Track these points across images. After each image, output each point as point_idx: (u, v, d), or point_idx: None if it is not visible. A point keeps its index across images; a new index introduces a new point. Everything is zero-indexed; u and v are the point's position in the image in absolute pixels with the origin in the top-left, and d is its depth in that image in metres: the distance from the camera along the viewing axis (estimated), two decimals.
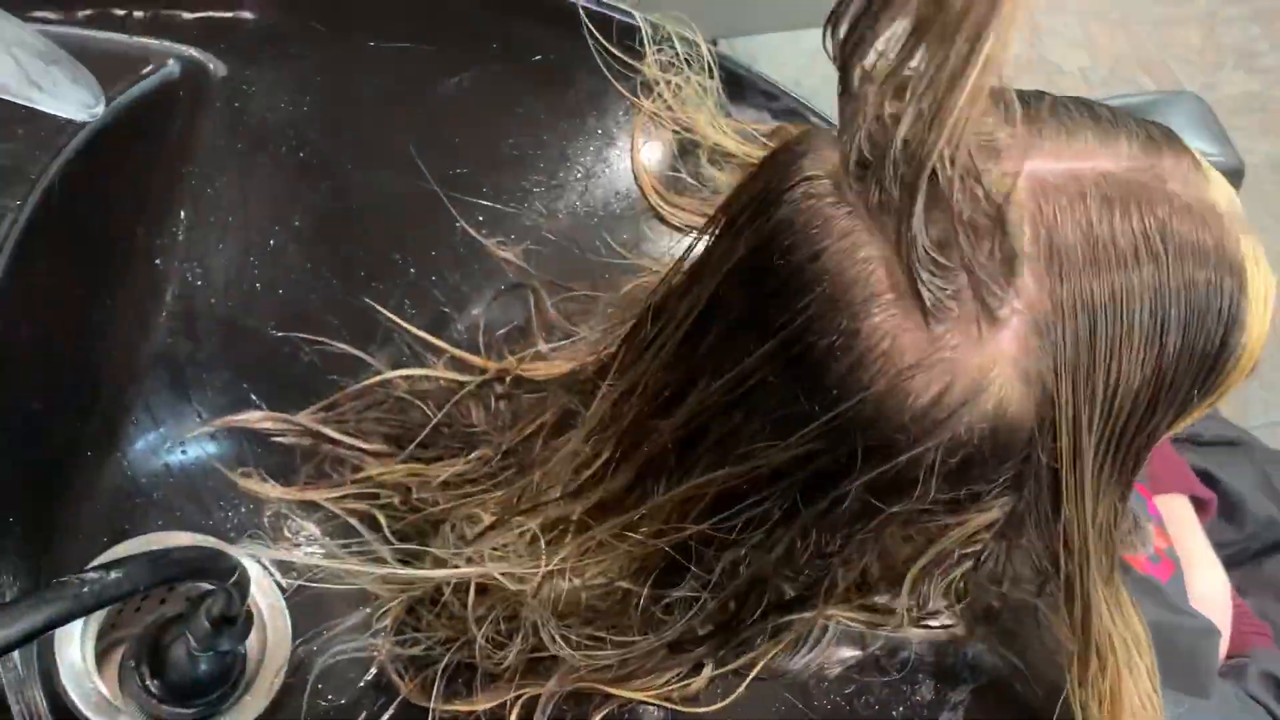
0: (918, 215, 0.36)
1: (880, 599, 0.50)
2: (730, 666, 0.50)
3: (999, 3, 0.36)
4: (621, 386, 0.48)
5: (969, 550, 0.45)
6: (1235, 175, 0.90)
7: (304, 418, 0.60)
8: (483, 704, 0.51)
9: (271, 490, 0.61)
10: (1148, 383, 0.40)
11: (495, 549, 0.52)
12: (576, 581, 0.50)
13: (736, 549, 0.44)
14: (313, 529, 0.62)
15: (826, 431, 0.39)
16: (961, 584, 0.50)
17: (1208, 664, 0.67)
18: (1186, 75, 1.87)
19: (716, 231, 0.44)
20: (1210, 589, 0.84)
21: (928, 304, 0.37)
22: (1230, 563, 0.92)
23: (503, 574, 0.50)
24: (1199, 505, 0.90)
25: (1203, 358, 0.41)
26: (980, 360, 0.37)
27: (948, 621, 0.51)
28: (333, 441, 0.60)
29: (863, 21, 0.39)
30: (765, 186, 0.40)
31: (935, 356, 0.37)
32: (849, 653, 0.51)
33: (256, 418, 0.61)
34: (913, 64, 0.38)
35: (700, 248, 0.45)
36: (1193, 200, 0.40)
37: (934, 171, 0.36)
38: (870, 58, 0.39)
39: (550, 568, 0.49)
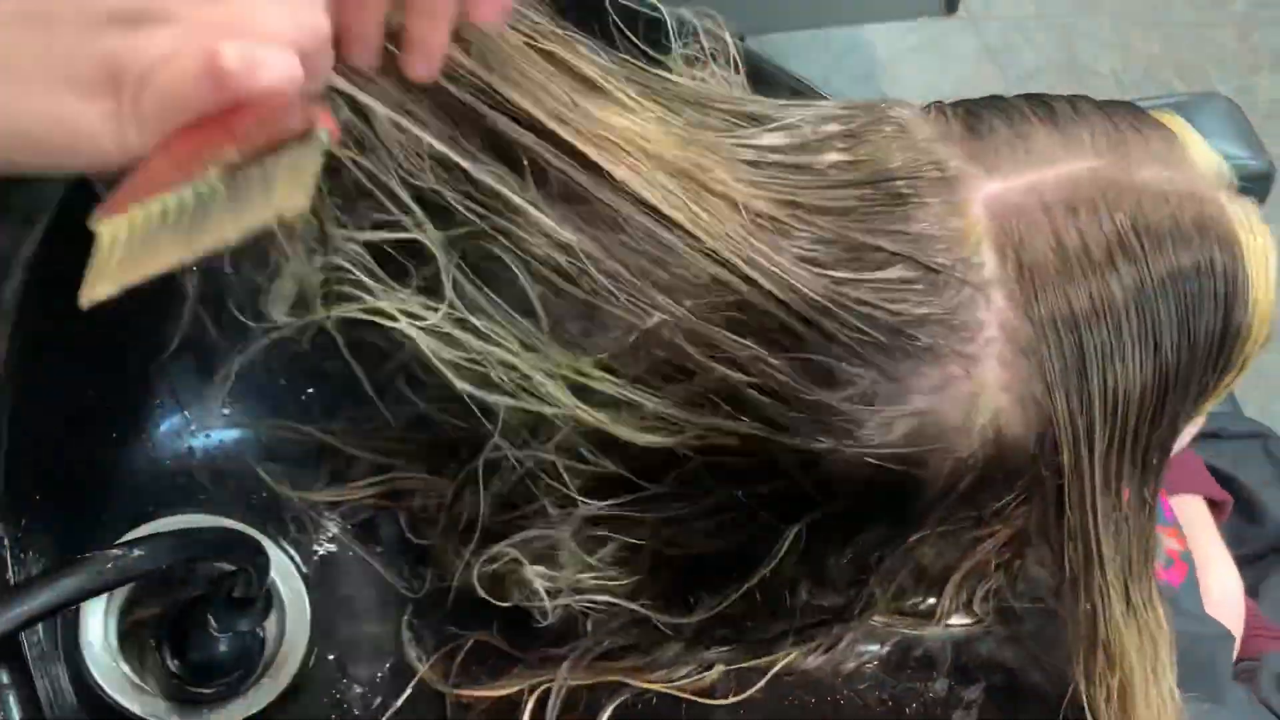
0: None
1: (911, 601, 0.50)
2: (750, 663, 0.50)
3: None
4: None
5: (1005, 558, 0.45)
6: (1266, 178, 0.89)
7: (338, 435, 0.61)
8: (500, 690, 0.52)
9: (314, 495, 0.61)
10: (1150, 382, 0.39)
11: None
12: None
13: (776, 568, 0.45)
14: (334, 517, 0.63)
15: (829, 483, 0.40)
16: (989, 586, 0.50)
17: (1223, 670, 0.67)
18: (1221, 78, 1.85)
19: None
20: (1224, 591, 0.83)
21: (911, 376, 0.37)
22: (1250, 560, 0.91)
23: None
24: (1214, 506, 0.89)
25: (1207, 342, 0.40)
26: (967, 391, 0.37)
27: (968, 620, 0.51)
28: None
29: None
30: None
31: (916, 404, 0.37)
32: (864, 649, 0.51)
33: (301, 437, 0.61)
34: None
35: None
36: (1166, 183, 0.39)
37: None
38: None
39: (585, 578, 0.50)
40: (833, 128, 0.40)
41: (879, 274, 0.37)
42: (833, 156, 0.39)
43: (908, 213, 0.37)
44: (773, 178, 0.39)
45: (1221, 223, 0.39)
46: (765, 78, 0.66)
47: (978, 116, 0.40)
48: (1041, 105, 0.40)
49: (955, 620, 0.51)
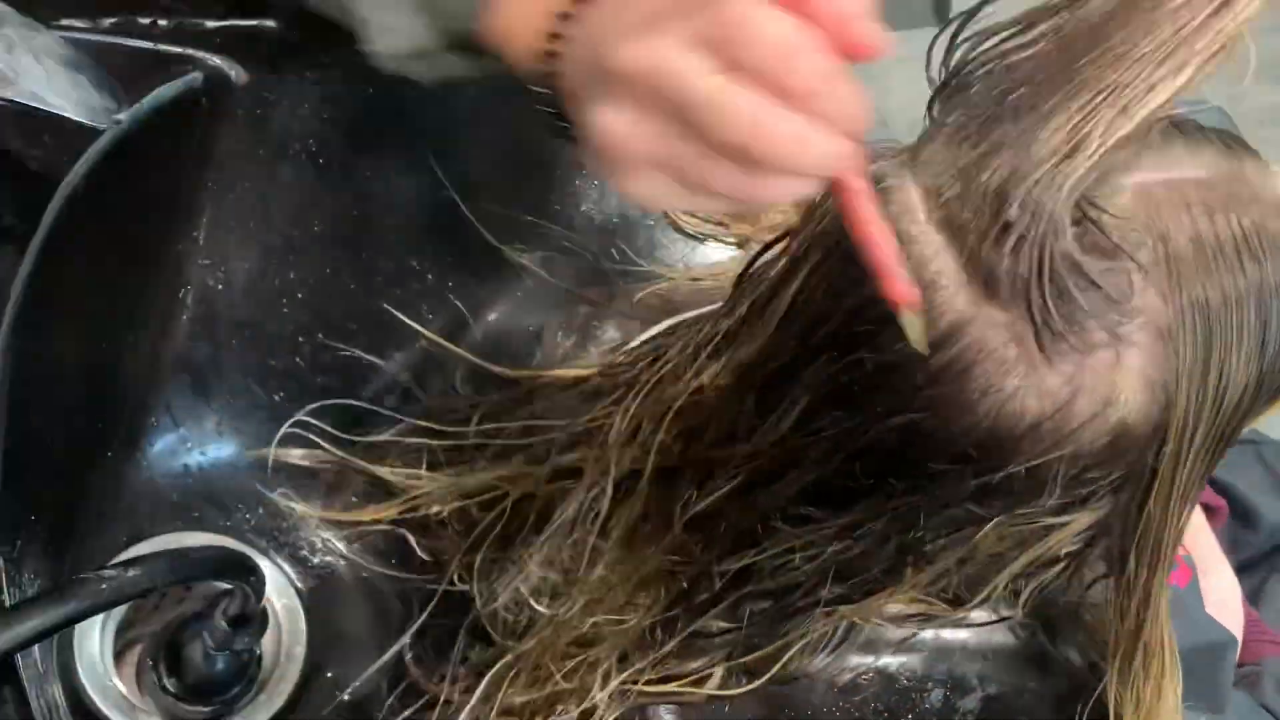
0: (1045, 276, 0.37)
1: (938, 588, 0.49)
2: (757, 654, 0.50)
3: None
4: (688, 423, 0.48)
5: (1070, 550, 0.45)
6: None
7: (344, 454, 0.61)
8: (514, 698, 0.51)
9: (320, 513, 0.62)
10: (1252, 381, 0.41)
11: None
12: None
13: (805, 544, 0.45)
14: (331, 537, 0.63)
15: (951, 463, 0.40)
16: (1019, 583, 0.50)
17: (1226, 676, 0.67)
18: (1213, 87, 1.85)
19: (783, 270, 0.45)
20: (1225, 594, 0.83)
21: (1050, 351, 0.38)
22: (1246, 566, 0.91)
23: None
24: (1208, 511, 0.89)
25: None
26: (1111, 378, 0.38)
27: (990, 617, 0.51)
28: (370, 471, 0.61)
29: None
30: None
31: (1067, 390, 0.38)
32: (858, 659, 0.51)
33: (297, 454, 0.62)
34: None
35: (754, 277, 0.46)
36: (1276, 200, 0.41)
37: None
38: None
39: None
40: None
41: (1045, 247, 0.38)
42: None
43: None
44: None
45: None
46: None
47: None
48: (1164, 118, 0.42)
49: (981, 617, 0.51)
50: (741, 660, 0.50)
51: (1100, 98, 0.36)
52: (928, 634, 0.51)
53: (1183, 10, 0.37)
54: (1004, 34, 0.39)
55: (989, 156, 0.38)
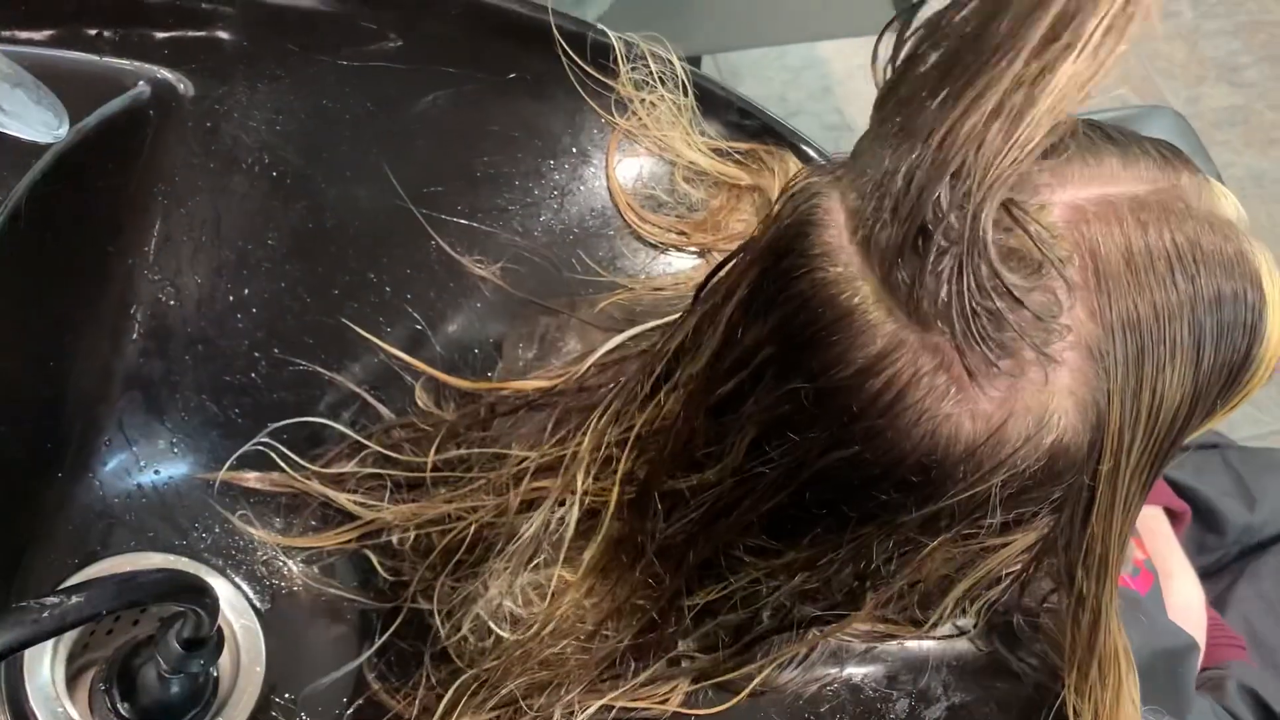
0: (969, 292, 0.36)
1: (898, 608, 0.49)
2: (727, 677, 0.49)
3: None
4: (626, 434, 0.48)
5: (1012, 570, 0.45)
6: None
7: (301, 479, 0.60)
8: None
9: (279, 539, 0.61)
10: (1186, 397, 0.40)
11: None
12: (586, 603, 0.50)
13: (770, 573, 0.44)
14: (291, 553, 0.62)
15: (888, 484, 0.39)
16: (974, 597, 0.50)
17: (1187, 681, 0.67)
18: (1171, 90, 1.88)
19: (723, 292, 0.44)
20: (1187, 599, 0.84)
21: (980, 373, 0.37)
22: (1212, 571, 0.92)
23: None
24: (1173, 516, 0.90)
25: (1229, 368, 0.41)
26: (1042, 399, 0.38)
27: (950, 631, 0.51)
28: (329, 497, 0.60)
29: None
30: (780, 267, 0.40)
31: (1000, 413, 0.37)
32: (823, 670, 0.51)
33: (252, 478, 0.61)
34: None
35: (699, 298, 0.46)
36: (1210, 215, 0.41)
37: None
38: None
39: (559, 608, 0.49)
40: None
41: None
42: None
43: None
44: None
45: (1251, 262, 0.42)
46: (713, 100, 0.66)
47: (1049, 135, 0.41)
48: (1097, 128, 0.42)
49: (941, 632, 0.51)
50: (712, 681, 0.49)
51: (1009, 96, 0.35)
52: (892, 645, 0.51)
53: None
54: (924, 27, 0.38)
55: (899, 169, 0.36)
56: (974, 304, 0.36)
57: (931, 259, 0.36)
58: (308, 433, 0.61)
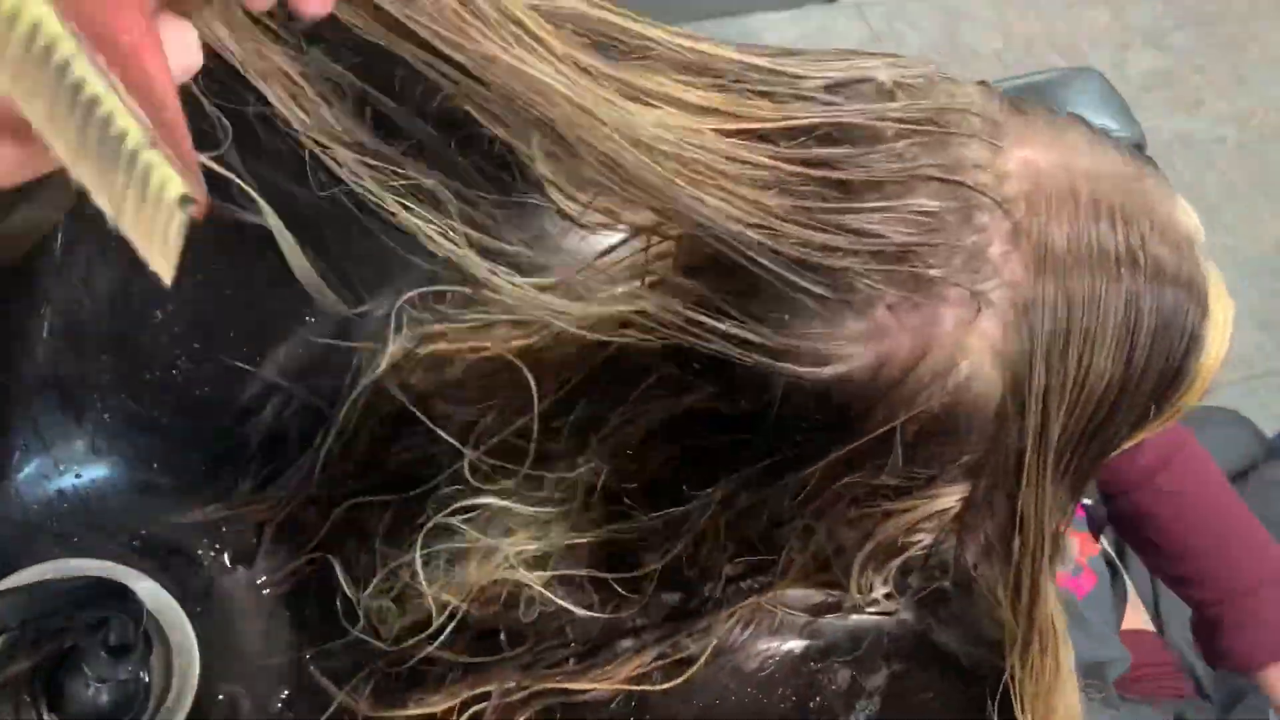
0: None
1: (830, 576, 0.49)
2: (685, 654, 0.49)
3: None
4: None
5: (913, 539, 0.45)
6: (1138, 148, 0.91)
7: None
8: (430, 707, 0.50)
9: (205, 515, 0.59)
10: (1116, 379, 0.41)
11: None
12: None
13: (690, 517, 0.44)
14: (218, 548, 0.61)
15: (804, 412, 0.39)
16: (910, 569, 0.50)
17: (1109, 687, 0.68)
18: (1096, 55, 1.90)
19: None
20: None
21: (899, 306, 0.37)
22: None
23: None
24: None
25: (1164, 371, 0.42)
26: (960, 337, 0.38)
27: (890, 606, 0.51)
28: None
29: None
30: None
31: (916, 346, 0.38)
32: (765, 645, 0.51)
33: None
34: None
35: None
36: (1168, 223, 0.41)
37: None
38: None
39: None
40: (874, 63, 0.40)
41: (903, 200, 0.37)
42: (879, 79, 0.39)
43: (949, 141, 0.38)
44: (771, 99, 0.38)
45: (1200, 278, 0.42)
46: None
47: (1019, 99, 0.41)
48: (1074, 116, 0.42)
49: (878, 607, 0.51)
50: (669, 660, 0.49)
51: None
52: (832, 618, 0.51)
53: None
54: None
55: None
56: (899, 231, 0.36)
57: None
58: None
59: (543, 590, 0.49)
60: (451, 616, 0.49)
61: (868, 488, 0.41)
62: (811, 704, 0.50)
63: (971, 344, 0.38)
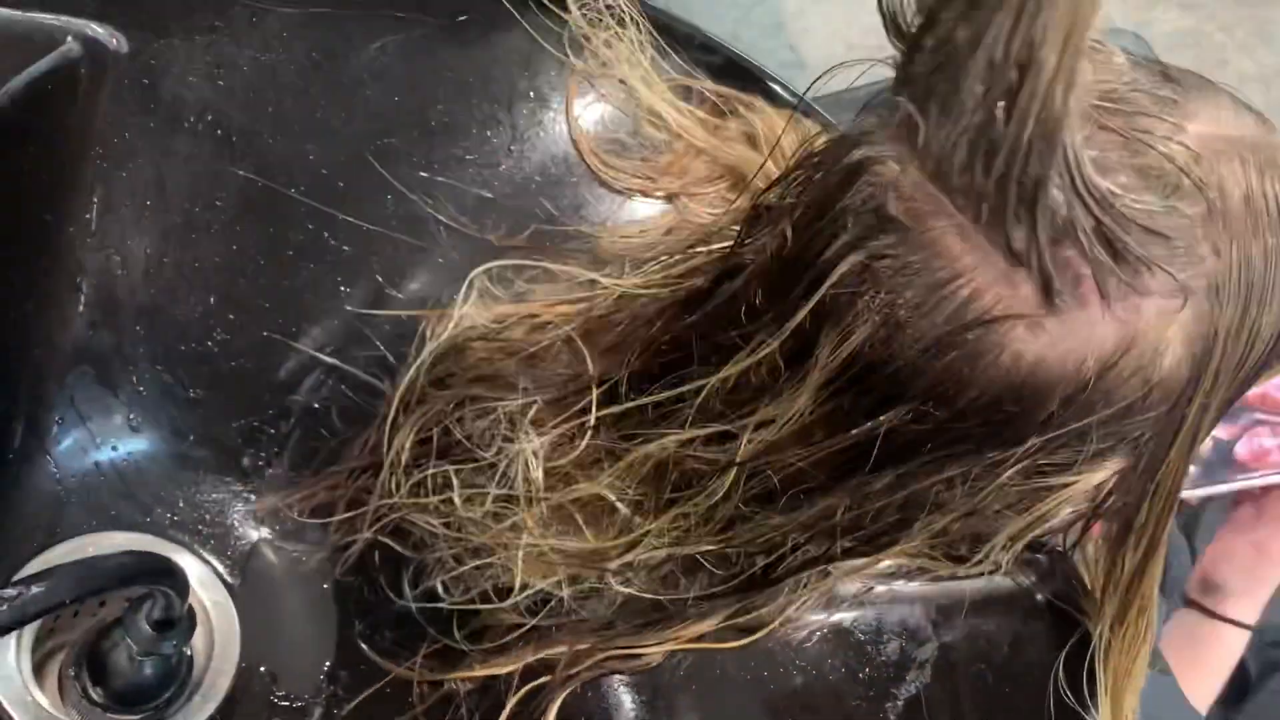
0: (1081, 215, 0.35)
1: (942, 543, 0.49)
2: (757, 613, 0.48)
3: None
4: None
5: (1060, 512, 0.44)
6: None
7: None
8: (496, 669, 0.49)
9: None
10: (1274, 338, 0.41)
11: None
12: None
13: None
14: (258, 522, 0.60)
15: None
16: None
17: None
18: (1122, 14, 1.87)
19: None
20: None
21: (1113, 296, 0.36)
22: None
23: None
24: None
25: None
26: (1160, 329, 0.38)
27: (986, 567, 0.50)
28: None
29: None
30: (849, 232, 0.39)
31: (1120, 342, 0.37)
32: (814, 617, 0.50)
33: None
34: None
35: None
36: None
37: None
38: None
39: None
40: None
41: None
42: None
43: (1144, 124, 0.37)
44: None
45: None
46: (674, 34, 0.64)
47: (1169, 70, 0.41)
48: (1204, 79, 0.42)
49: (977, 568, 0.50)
50: (736, 621, 0.48)
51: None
52: (881, 588, 0.50)
53: None
54: None
55: (969, 98, 0.34)
56: (1104, 226, 0.35)
57: (1030, 193, 0.34)
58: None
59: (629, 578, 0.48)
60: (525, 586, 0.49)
61: (1037, 468, 0.41)
62: (861, 674, 0.49)
63: (1172, 334, 0.38)
